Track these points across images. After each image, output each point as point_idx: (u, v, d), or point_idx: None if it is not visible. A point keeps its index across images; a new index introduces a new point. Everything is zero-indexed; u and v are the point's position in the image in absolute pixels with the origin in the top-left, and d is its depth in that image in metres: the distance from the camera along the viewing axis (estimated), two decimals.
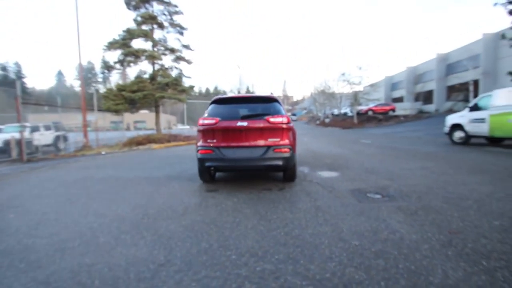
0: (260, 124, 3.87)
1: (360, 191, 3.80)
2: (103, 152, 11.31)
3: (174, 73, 16.53)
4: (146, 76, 16.22)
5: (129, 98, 14.21)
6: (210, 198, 3.67)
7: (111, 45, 14.98)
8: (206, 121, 3.99)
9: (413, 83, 40.32)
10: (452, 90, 32.82)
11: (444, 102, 33.31)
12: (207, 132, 3.99)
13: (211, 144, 3.96)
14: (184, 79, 16.82)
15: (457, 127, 10.01)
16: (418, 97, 38.00)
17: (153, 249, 2.23)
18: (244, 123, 3.87)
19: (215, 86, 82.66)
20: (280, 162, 3.88)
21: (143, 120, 47.95)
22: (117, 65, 15.79)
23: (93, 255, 2.15)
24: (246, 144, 3.90)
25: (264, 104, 4.20)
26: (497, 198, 3.29)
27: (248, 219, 2.85)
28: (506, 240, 2.21)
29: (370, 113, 28.87)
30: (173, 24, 16.62)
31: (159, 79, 15.40)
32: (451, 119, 10.31)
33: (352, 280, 1.72)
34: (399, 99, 39.10)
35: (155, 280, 1.77)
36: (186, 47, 16.89)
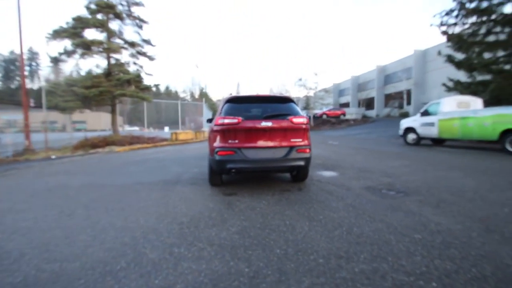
0: (284, 124, 3.81)
1: (374, 189, 4.04)
2: (53, 157, 9.69)
3: (132, 69, 15.17)
4: (99, 71, 14.52)
5: (82, 95, 12.51)
6: (237, 202, 3.46)
7: (58, 34, 13.04)
8: (227, 121, 3.75)
9: (357, 91, 44.80)
10: (389, 98, 37.36)
11: (383, 108, 37.79)
12: (228, 132, 3.76)
13: (233, 145, 3.74)
14: (144, 76, 15.56)
15: (410, 130, 11.45)
16: (361, 103, 42.34)
17: (226, 260, 2.00)
18: (269, 123, 3.76)
19: (167, 85, 78.33)
20: (302, 163, 3.88)
21: (83, 120, 42.53)
22: (64, 57, 13.79)
23: (159, 274, 1.83)
24: (270, 144, 3.79)
25: (282, 104, 4.14)
26: (488, 190, 3.86)
27: (297, 221, 2.77)
28: None
29: (324, 116, 31.00)
30: (131, 16, 15.28)
31: (118, 75, 13.93)
32: (405, 123, 11.74)
33: (446, 270, 1.82)
34: (346, 105, 42.94)
35: None
36: (147, 41, 15.69)
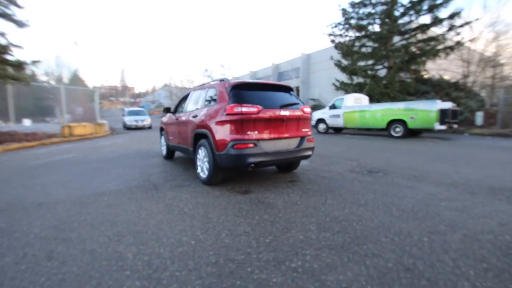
0: (297, 113, 3.72)
1: (357, 172, 4.62)
2: None
3: None
4: None
5: None
6: (265, 199, 3.17)
7: None
8: (245, 109, 3.29)
9: None
10: None
11: None
12: (247, 123, 3.32)
13: (253, 137, 3.34)
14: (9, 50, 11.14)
15: (321, 121, 13.53)
16: None
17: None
18: (287, 113, 3.57)
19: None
20: (310, 152, 3.94)
21: None
22: None
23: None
24: (286, 135, 3.63)
25: (286, 93, 3.97)
26: (429, 163, 5.16)
27: (343, 208, 2.86)
28: None
29: None
30: None
31: None
32: (317, 115, 13.75)
33: (438, 206, 2.40)
34: None
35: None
36: (11, 1, 11.23)
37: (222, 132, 3.37)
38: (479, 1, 30.98)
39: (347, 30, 18.36)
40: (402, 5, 16.31)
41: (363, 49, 17.67)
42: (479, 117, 13.66)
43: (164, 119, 6.02)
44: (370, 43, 17.37)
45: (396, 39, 16.89)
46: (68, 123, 12.06)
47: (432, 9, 15.60)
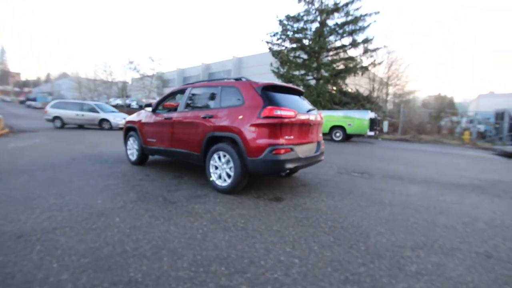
0: (319, 118, 3.79)
1: (347, 174, 5.06)
2: None
3: None
4: None
5: None
6: (305, 205, 3.11)
7: None
8: (285, 113, 3.12)
9: (183, 83, 46.02)
10: None
11: None
12: (286, 127, 3.17)
13: (290, 142, 3.21)
14: None
15: None
16: None
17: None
18: (313, 117, 3.58)
19: None
20: (323, 157, 4.07)
21: None
22: None
23: None
24: (310, 140, 3.64)
25: (301, 96, 3.96)
26: (396, 162, 6.09)
27: (382, 209, 3.13)
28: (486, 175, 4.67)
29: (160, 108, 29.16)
30: None
31: None
32: None
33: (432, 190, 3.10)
34: None
35: None
36: None
37: (258, 136, 3.11)
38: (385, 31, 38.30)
39: (284, 40, 19.75)
40: (329, 26, 18.75)
41: (298, 60, 19.38)
42: (386, 126, 17.00)
43: (136, 117, 5.07)
44: (304, 55, 19.17)
45: (324, 54, 19.25)
46: None
47: (351, 33, 18.52)
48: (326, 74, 18.42)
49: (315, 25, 19.02)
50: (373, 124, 11.29)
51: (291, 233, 2.37)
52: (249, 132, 3.15)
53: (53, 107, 13.52)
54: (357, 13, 18.00)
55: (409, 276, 1.79)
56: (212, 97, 3.78)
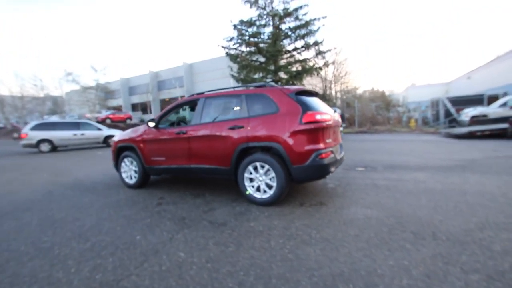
0: (340, 120, 3.87)
1: (351, 169, 5.31)
2: None
3: None
4: None
5: None
6: (348, 210, 3.17)
7: None
8: (324, 116, 3.11)
9: (128, 94, 42.78)
10: (164, 103, 39.65)
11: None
12: (327, 130, 3.20)
13: (329, 145, 3.21)
14: None
15: None
16: (135, 107, 41.13)
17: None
18: (337, 118, 3.65)
19: None
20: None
21: None
22: None
23: None
24: (338, 141, 3.70)
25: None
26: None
27: (430, 207, 3.37)
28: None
29: (108, 121, 26.45)
30: None
31: None
32: None
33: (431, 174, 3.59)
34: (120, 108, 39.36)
35: None
36: None
37: (302, 143, 3.04)
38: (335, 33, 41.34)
39: (240, 44, 19.86)
40: (282, 30, 19.53)
41: (256, 64, 19.68)
42: (344, 120, 18.39)
43: (131, 135, 4.47)
44: (262, 59, 19.56)
45: (281, 57, 19.96)
46: None
47: (303, 36, 19.60)
48: (285, 76, 19.09)
49: (269, 29, 19.59)
50: (342, 119, 12.11)
51: (371, 236, 2.37)
52: (292, 140, 3.06)
53: (35, 129, 11.53)
54: (306, 18, 19.14)
55: (502, 254, 1.95)
56: (236, 106, 3.57)
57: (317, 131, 3.09)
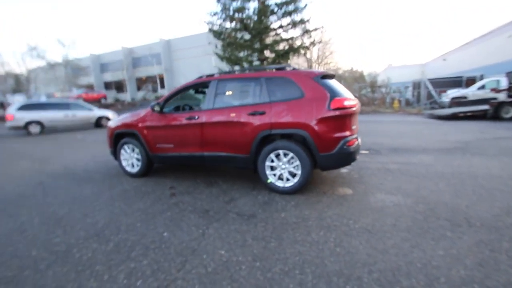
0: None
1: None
2: None
3: None
4: None
5: None
6: (377, 198, 3.17)
7: None
8: (351, 102, 2.99)
9: (100, 71, 39.72)
10: (141, 81, 37.41)
11: (136, 92, 37.17)
12: (353, 117, 3.09)
13: (354, 132, 3.12)
14: None
15: None
16: (109, 85, 38.45)
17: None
18: (359, 104, 3.53)
19: None
20: None
21: None
22: None
23: None
24: (358, 127, 3.61)
25: None
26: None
27: (452, 191, 3.44)
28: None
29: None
30: None
31: None
32: None
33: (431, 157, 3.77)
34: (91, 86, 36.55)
35: None
36: None
37: (331, 130, 2.91)
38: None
39: (224, 20, 18.79)
40: (268, 6, 18.65)
41: (241, 41, 18.85)
42: None
43: (131, 119, 4.08)
44: (247, 36, 18.73)
45: (267, 35, 19.24)
46: None
47: (290, 13, 18.92)
48: (272, 55, 18.55)
49: (254, 4, 18.62)
50: None
51: (409, 225, 2.36)
52: (320, 127, 2.91)
53: (22, 110, 10.27)
54: None
55: None
56: (254, 90, 3.32)
57: (345, 118, 2.97)
